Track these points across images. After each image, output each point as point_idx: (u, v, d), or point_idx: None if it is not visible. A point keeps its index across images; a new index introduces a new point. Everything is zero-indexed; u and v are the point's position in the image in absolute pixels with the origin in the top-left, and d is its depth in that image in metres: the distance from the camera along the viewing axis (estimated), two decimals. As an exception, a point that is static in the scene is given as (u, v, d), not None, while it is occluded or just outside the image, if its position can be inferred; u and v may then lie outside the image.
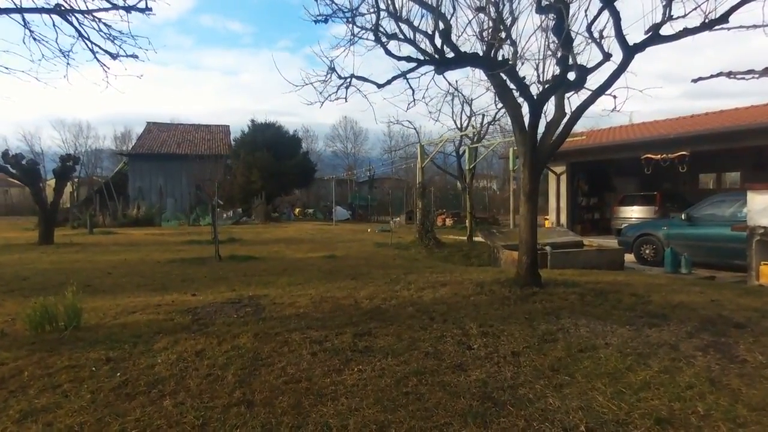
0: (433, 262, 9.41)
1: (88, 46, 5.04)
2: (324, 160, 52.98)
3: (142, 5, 4.61)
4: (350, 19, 4.82)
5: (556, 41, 5.01)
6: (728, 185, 20.16)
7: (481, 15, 5.48)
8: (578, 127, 6.80)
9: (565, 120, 5.04)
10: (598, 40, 5.21)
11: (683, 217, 10.13)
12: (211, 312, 4.46)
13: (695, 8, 4.46)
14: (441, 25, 4.53)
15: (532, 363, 3.14)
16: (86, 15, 4.60)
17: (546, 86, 4.75)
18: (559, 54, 4.98)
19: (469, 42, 5.61)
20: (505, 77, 5.01)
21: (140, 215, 22.53)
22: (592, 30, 5.17)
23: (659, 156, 15.09)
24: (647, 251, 10.66)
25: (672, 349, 3.38)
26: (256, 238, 14.72)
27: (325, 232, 17.01)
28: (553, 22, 4.96)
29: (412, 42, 5.21)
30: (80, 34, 4.75)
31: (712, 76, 6.09)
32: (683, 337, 3.66)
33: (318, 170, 37.92)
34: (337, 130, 57.49)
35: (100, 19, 4.69)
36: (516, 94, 5.23)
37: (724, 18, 4.07)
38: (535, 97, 4.82)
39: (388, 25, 5.79)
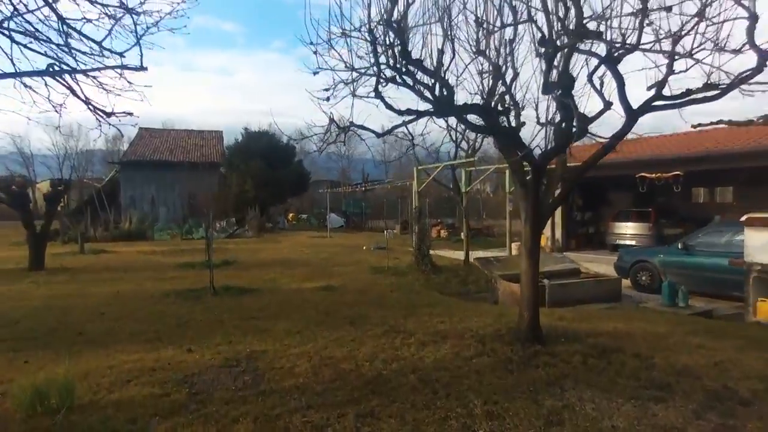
0: (430, 294, 9.34)
1: (81, 99, 4.91)
2: (318, 162, 52.85)
3: (136, 62, 4.50)
4: (351, 79, 4.72)
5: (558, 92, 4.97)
6: (720, 199, 20.32)
7: (483, 66, 5.43)
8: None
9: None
10: (599, 88, 5.18)
11: (680, 246, 10.16)
12: (208, 382, 4.35)
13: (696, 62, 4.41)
14: (444, 91, 4.45)
15: (540, 461, 3.07)
16: (79, 74, 4.47)
17: (548, 149, 4.70)
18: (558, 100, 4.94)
19: (468, 83, 5.51)
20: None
21: (132, 228, 22.27)
22: (593, 78, 5.14)
23: (654, 175, 15.18)
24: (644, 278, 10.68)
25: (680, 438, 3.33)
26: (250, 258, 14.57)
27: (320, 250, 16.86)
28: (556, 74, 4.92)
29: (415, 90, 5.14)
30: (73, 92, 4.62)
31: (711, 124, 6.08)
32: (690, 418, 3.61)
33: (312, 174, 37.72)
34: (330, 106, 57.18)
35: (95, 77, 4.57)
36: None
37: (732, 86, 4.01)
38: (536, 158, 4.77)
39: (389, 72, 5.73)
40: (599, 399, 3.94)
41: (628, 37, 4.36)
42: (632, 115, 4.52)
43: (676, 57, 4.39)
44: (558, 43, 4.20)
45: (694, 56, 4.25)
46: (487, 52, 5.23)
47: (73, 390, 3.92)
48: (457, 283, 10.83)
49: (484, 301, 9.18)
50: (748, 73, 3.78)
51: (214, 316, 7.11)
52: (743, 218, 15.63)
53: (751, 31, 3.57)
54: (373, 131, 5.55)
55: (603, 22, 4.72)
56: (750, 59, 3.88)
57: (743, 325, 7.47)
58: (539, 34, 4.80)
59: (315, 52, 4.91)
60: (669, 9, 4.14)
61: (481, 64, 5.43)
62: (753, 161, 12.71)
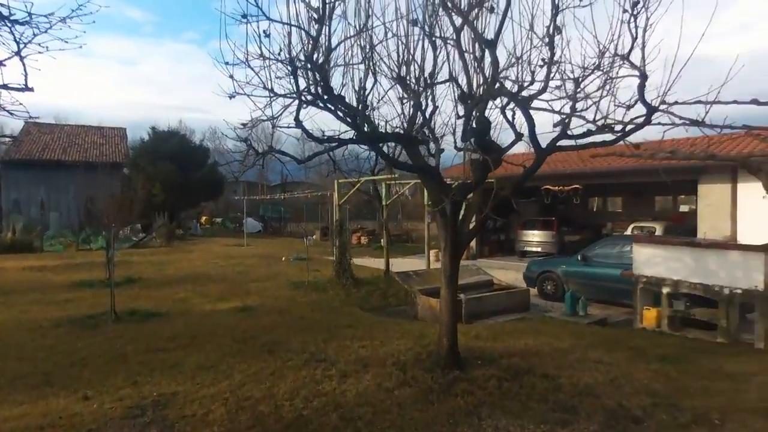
0: (351, 310, 9.30)
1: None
2: (233, 157, 50.59)
3: (20, 83, 3.95)
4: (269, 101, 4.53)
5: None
6: (612, 208, 22.61)
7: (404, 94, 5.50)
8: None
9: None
10: (511, 121, 5.47)
11: (579, 257, 11.08)
12: (108, 439, 3.94)
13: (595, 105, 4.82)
14: (366, 126, 4.43)
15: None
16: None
17: (467, 183, 4.87)
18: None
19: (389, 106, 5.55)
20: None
21: (16, 238, 19.73)
22: (506, 112, 5.42)
23: (557, 188, 16.50)
24: (549, 287, 11.50)
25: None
26: (158, 273, 13.54)
27: (236, 262, 16.07)
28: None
29: (337, 116, 5.06)
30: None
31: (609, 155, 6.66)
32: (591, 441, 3.93)
33: (226, 176, 35.95)
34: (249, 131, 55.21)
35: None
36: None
37: (625, 134, 4.41)
38: (453, 192, 4.92)
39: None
40: (513, 427, 4.14)
41: (539, 82, 4.65)
42: (541, 154, 4.81)
43: (578, 101, 4.76)
44: (477, 95, 4.36)
45: (594, 102, 4.64)
46: (408, 80, 5.32)
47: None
48: (377, 296, 10.90)
49: (405, 316, 9.33)
50: (639, 122, 4.18)
51: (115, 350, 6.49)
52: (631, 227, 17.38)
53: (641, 89, 3.96)
54: (293, 157, 5.39)
55: (517, 65, 5.02)
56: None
57: (632, 332, 8.31)
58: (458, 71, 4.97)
59: (231, 76, 4.66)
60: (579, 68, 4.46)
61: (401, 94, 5.52)
62: (634, 177, 14.75)
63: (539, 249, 18.40)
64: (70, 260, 16.52)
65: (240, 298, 10.00)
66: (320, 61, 4.02)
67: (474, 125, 4.30)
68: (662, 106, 3.93)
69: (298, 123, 4.74)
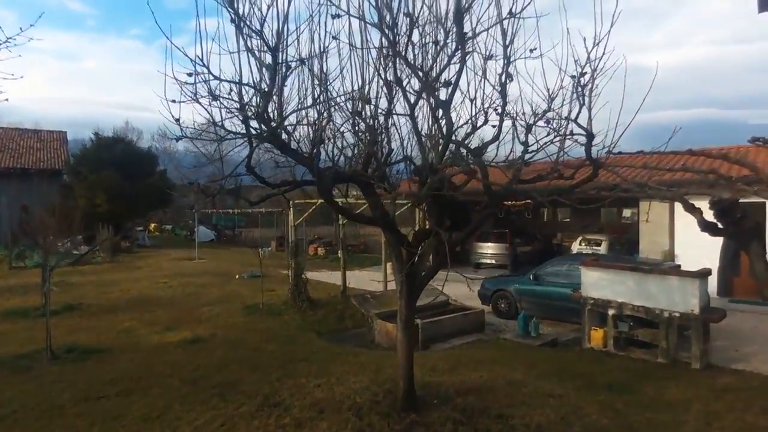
0: (307, 338, 9.14)
1: None
2: (184, 165, 48.87)
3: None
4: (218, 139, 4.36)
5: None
6: (561, 218, 23.50)
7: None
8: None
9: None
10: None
11: (531, 277, 11.40)
12: None
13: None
14: (321, 179, 4.33)
15: None
16: None
17: (422, 229, 4.88)
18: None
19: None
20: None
21: (-62, 255, 18.07)
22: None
23: (509, 203, 16.89)
24: (502, 305, 11.77)
25: None
26: (100, 297, 12.77)
27: (186, 281, 15.26)
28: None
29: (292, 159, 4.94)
30: None
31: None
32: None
33: (177, 178, 34.54)
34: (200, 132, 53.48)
35: None
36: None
37: (576, 186, 4.54)
38: (410, 243, 4.92)
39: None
40: (468, 479, 4.16)
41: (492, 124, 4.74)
42: (494, 200, 4.89)
43: (529, 148, 4.88)
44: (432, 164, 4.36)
45: (544, 149, 4.77)
46: (363, 114, 5.27)
47: None
48: (334, 319, 10.77)
49: (362, 341, 9.28)
50: (587, 176, 4.32)
51: (50, 399, 6.03)
52: (578, 240, 18.05)
53: (588, 148, 4.10)
54: (248, 199, 5.23)
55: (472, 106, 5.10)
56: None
57: (581, 353, 8.61)
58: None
59: (177, 121, 4.44)
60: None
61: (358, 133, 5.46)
62: (580, 194, 15.25)
63: (493, 261, 18.85)
64: (1, 281, 15.33)
65: (190, 327, 9.59)
66: (273, 114, 3.88)
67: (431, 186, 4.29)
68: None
69: (250, 169, 4.58)
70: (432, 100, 4.22)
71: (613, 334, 8.70)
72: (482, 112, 5.28)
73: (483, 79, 4.98)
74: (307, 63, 3.85)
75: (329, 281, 15.36)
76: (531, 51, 4.69)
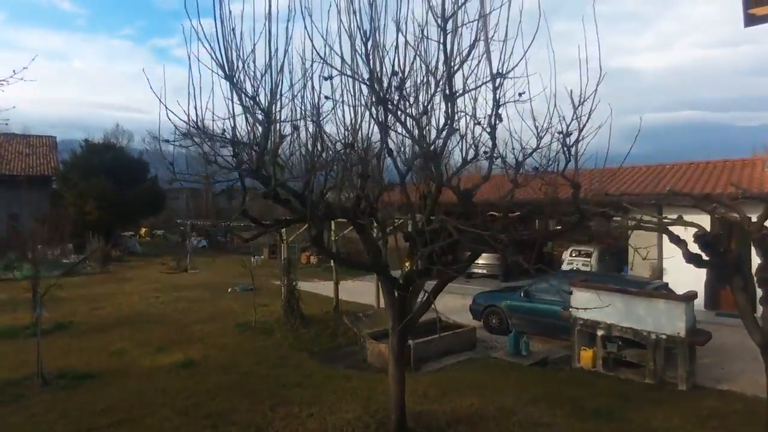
0: (300, 359, 9.16)
1: None
2: (175, 164, 48.48)
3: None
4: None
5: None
6: (552, 226, 23.63)
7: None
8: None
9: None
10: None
11: (522, 294, 11.52)
12: None
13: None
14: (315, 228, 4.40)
15: None
16: None
17: (413, 271, 4.96)
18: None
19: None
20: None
21: None
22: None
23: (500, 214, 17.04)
24: (494, 321, 11.87)
25: None
26: (91, 314, 12.70)
27: (177, 296, 15.09)
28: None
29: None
30: None
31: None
32: None
33: (167, 181, 34.27)
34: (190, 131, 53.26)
35: None
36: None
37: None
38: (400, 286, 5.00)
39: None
40: None
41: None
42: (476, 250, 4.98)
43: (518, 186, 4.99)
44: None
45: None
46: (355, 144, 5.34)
47: None
48: (327, 336, 10.81)
49: (354, 360, 9.32)
50: (573, 223, 4.43)
51: (42, 432, 6.03)
52: (569, 250, 18.18)
53: (575, 197, 4.20)
54: (242, 239, 5.26)
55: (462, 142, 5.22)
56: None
57: (571, 374, 8.73)
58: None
59: (170, 164, 4.49)
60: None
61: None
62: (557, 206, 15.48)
63: (485, 270, 18.98)
64: (-11, 294, 15.19)
65: (182, 348, 9.58)
66: (267, 167, 3.94)
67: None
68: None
69: (245, 212, 4.63)
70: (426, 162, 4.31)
71: (602, 354, 8.84)
72: (472, 147, 5.43)
73: (473, 120, 5.11)
74: (299, 128, 3.90)
75: (322, 293, 15.39)
76: (520, 95, 4.82)
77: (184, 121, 3.62)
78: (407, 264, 5.13)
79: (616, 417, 6.52)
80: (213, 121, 3.65)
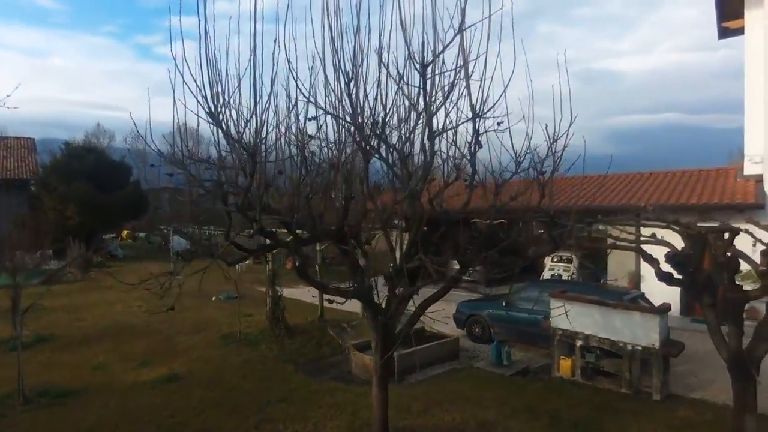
0: (285, 372, 9.20)
1: None
2: (158, 165, 47.82)
3: None
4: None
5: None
6: (536, 232, 24.02)
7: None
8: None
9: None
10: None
11: (503, 303, 11.74)
12: None
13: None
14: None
15: None
16: None
17: (394, 300, 5.09)
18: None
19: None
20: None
21: None
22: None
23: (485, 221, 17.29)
24: (477, 329, 12.08)
25: None
26: (72, 325, 12.55)
27: (160, 304, 15.14)
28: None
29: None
30: None
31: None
32: None
33: (149, 181, 33.83)
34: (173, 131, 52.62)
35: None
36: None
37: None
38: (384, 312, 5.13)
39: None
40: None
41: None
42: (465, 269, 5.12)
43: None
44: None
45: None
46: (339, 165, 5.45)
47: None
48: (312, 347, 10.87)
49: (339, 371, 9.40)
50: (549, 248, 4.60)
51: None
52: (550, 258, 18.46)
53: (549, 228, 4.37)
54: (227, 262, 5.34)
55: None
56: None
57: (550, 384, 8.94)
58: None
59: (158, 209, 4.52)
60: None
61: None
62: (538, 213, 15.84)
63: (469, 276, 19.17)
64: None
65: (166, 362, 9.55)
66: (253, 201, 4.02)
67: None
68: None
69: (227, 237, 4.70)
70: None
71: (580, 364, 9.09)
72: (454, 170, 5.61)
73: (453, 145, 5.28)
74: (284, 172, 4.00)
75: (306, 299, 15.45)
76: (498, 124, 4.99)
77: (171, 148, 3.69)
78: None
79: (592, 428, 6.74)
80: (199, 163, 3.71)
